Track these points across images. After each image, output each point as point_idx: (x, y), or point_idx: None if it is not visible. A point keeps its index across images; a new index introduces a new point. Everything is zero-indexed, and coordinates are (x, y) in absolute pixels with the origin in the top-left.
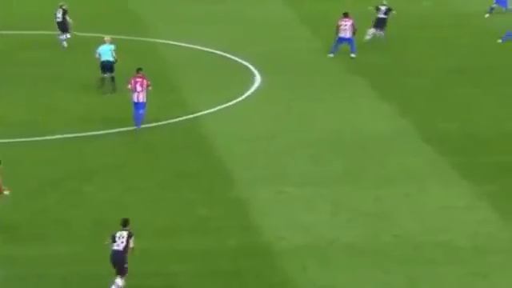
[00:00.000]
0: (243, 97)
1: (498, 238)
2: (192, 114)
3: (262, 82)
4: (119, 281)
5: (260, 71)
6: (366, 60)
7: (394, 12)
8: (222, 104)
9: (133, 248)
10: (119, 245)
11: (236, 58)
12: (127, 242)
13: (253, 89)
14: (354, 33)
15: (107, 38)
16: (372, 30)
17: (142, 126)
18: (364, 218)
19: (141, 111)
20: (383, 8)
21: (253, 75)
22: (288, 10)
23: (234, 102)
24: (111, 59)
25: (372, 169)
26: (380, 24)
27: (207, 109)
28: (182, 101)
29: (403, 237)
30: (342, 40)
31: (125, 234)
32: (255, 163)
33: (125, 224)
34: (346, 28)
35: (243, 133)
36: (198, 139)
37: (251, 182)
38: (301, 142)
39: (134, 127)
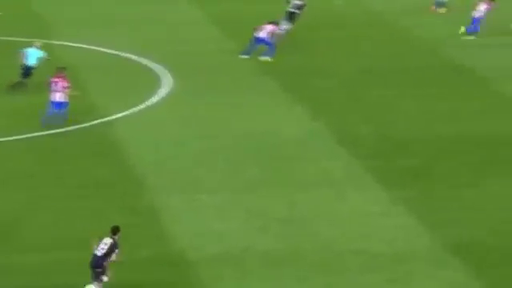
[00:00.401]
0: (153, 101)
1: (416, 244)
2: (101, 118)
3: (172, 84)
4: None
5: (170, 74)
6: (278, 61)
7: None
8: (131, 108)
9: (114, 261)
10: (99, 250)
11: (144, 61)
12: (109, 250)
13: (162, 92)
14: (271, 36)
15: (38, 43)
16: (284, 24)
17: (50, 131)
18: (279, 224)
19: (56, 110)
20: (297, 2)
21: (162, 78)
22: (196, 11)
23: (144, 106)
24: (33, 64)
25: (286, 173)
26: (288, 18)
27: (116, 113)
28: (89, 105)
29: (319, 244)
30: (258, 40)
31: (109, 241)
32: (167, 170)
33: (114, 232)
34: (262, 28)
35: (154, 138)
36: (108, 145)
37: (164, 190)
38: (213, 147)
39: (42, 125)
